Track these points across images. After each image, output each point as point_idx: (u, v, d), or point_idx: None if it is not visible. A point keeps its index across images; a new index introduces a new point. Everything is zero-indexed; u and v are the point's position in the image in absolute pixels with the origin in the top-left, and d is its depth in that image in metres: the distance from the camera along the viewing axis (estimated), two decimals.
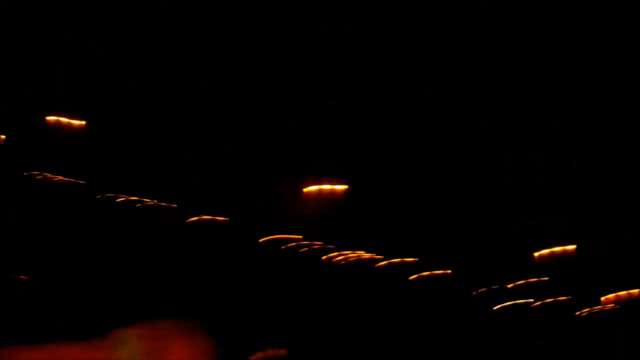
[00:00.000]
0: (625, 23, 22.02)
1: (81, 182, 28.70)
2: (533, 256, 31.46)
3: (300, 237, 30.89)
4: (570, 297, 31.76)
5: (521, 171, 29.13)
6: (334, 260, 30.84)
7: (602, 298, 31.84)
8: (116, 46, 27.24)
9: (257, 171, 29.42)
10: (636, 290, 32.78)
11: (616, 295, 31.83)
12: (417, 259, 31.44)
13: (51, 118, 28.09)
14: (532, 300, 32.56)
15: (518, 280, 32.12)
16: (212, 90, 28.60)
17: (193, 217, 29.91)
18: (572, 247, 31.13)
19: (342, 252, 30.98)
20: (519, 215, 30.36)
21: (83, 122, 28.57)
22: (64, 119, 28.26)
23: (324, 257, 30.58)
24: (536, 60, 23.46)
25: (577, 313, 31.83)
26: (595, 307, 31.99)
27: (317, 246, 31.10)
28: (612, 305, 32.15)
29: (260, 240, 30.29)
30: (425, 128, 28.27)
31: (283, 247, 30.43)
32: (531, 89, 25.03)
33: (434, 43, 24.04)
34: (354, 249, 31.30)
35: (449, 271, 31.47)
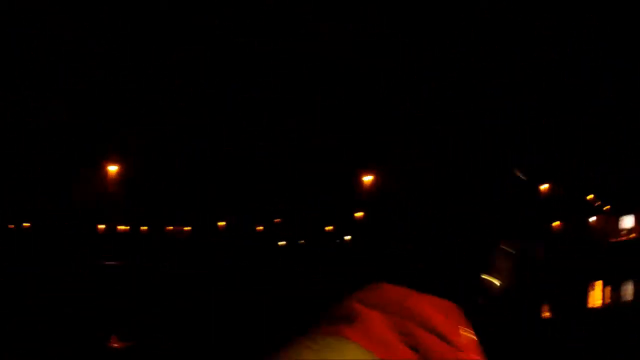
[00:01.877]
0: (625, 23, 22.03)
1: None
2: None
3: None
4: None
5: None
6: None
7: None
8: (116, 46, 27.24)
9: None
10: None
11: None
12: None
13: None
14: None
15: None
16: (212, 90, 28.62)
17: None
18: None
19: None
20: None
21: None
22: None
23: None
24: (536, 60, 23.48)
25: None
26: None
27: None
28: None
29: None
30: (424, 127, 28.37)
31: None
32: (531, 89, 25.04)
33: (434, 43, 24.05)
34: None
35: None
